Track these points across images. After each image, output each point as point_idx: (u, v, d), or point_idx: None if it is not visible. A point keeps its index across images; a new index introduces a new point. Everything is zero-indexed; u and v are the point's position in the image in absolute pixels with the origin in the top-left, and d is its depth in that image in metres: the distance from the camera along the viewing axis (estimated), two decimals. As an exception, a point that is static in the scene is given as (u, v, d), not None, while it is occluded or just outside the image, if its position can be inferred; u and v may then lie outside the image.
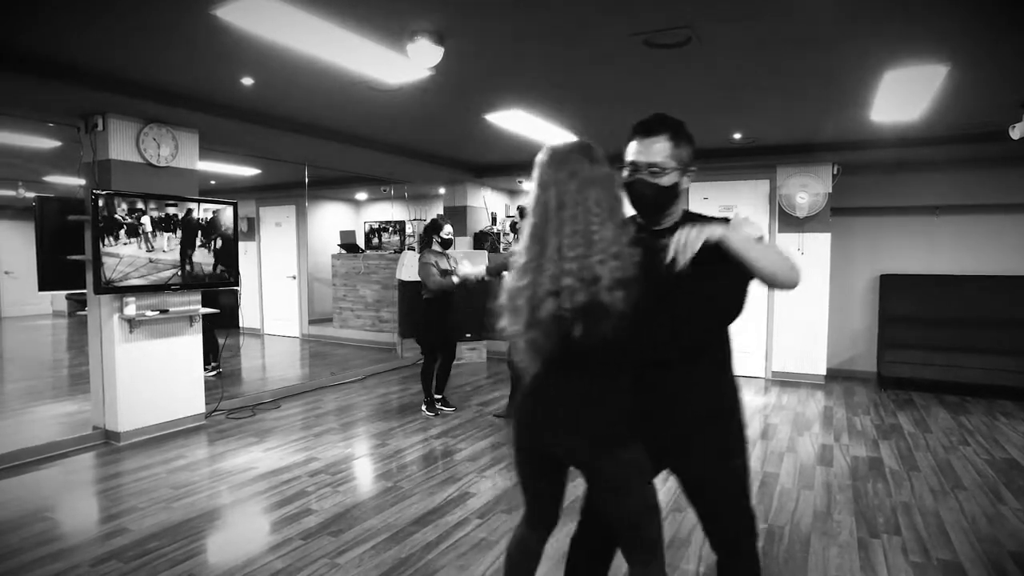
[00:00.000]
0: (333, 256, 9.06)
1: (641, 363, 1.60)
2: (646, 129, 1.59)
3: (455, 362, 5.45)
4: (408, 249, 8.09)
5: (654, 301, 1.49)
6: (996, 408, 5.31)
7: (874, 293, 6.49)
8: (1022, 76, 3.54)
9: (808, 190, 6.07)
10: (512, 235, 7.84)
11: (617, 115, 4.60)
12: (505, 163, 7.25)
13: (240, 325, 9.73)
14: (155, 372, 4.49)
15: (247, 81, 3.78)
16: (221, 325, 6.35)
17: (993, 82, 3.67)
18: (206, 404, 4.88)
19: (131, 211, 4.20)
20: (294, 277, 9.41)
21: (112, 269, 4.11)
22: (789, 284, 1.49)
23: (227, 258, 4.88)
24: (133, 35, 3.04)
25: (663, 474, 1.74)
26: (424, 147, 6.27)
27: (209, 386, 5.10)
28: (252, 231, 9.64)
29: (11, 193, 8.65)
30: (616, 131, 5.11)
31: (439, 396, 5.19)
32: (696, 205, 6.36)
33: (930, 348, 5.85)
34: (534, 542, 1.75)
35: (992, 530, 3.00)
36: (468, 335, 7.31)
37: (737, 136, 5.46)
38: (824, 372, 6.27)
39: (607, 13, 2.74)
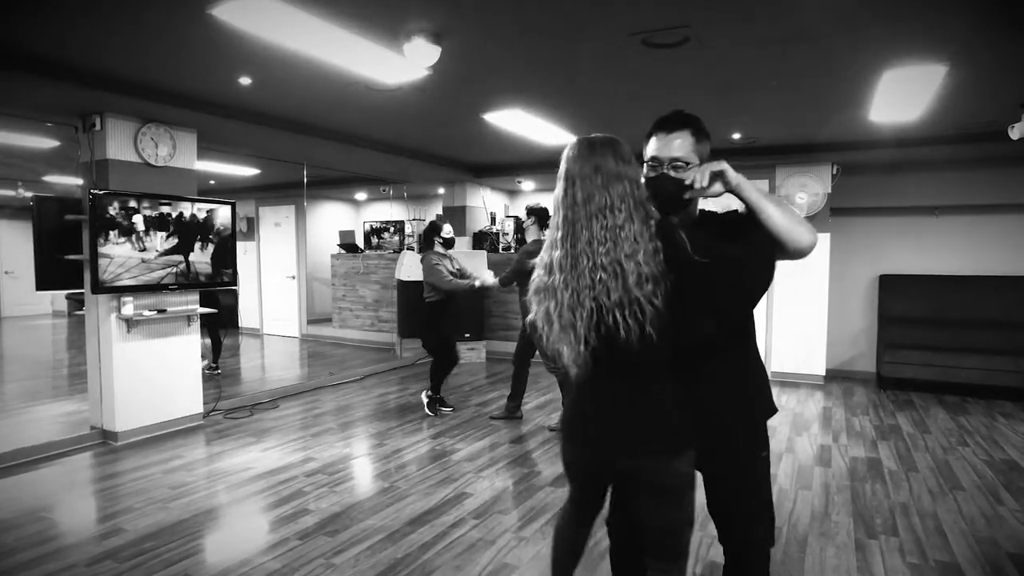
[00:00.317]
0: (332, 256, 9.06)
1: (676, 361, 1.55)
2: (667, 125, 1.59)
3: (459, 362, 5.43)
4: (407, 249, 8.09)
5: (681, 295, 1.45)
6: (995, 409, 5.30)
7: (873, 293, 6.48)
8: (1021, 76, 3.53)
9: (807, 190, 6.06)
10: (516, 235, 7.84)
11: (616, 114, 4.60)
12: (504, 163, 7.25)
13: (239, 325, 9.81)
14: (152, 372, 4.49)
15: (245, 81, 3.77)
16: (221, 325, 6.36)
17: (992, 82, 3.66)
18: (204, 404, 4.88)
19: (122, 209, 4.18)
20: (293, 277, 9.41)
21: (103, 270, 4.10)
22: (805, 243, 1.44)
23: (225, 258, 4.88)
24: (130, 34, 3.03)
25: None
26: (423, 147, 6.27)
27: (207, 385, 5.09)
28: (252, 231, 9.64)
29: (11, 193, 8.65)
30: (616, 130, 5.09)
31: (436, 396, 5.18)
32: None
33: (930, 348, 5.84)
34: (583, 535, 1.78)
35: (990, 531, 2.99)
36: (467, 335, 7.31)
37: (736, 136, 5.45)
38: (823, 372, 6.27)
39: (604, 12, 2.74)
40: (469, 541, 2.87)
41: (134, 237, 4.24)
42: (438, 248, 4.90)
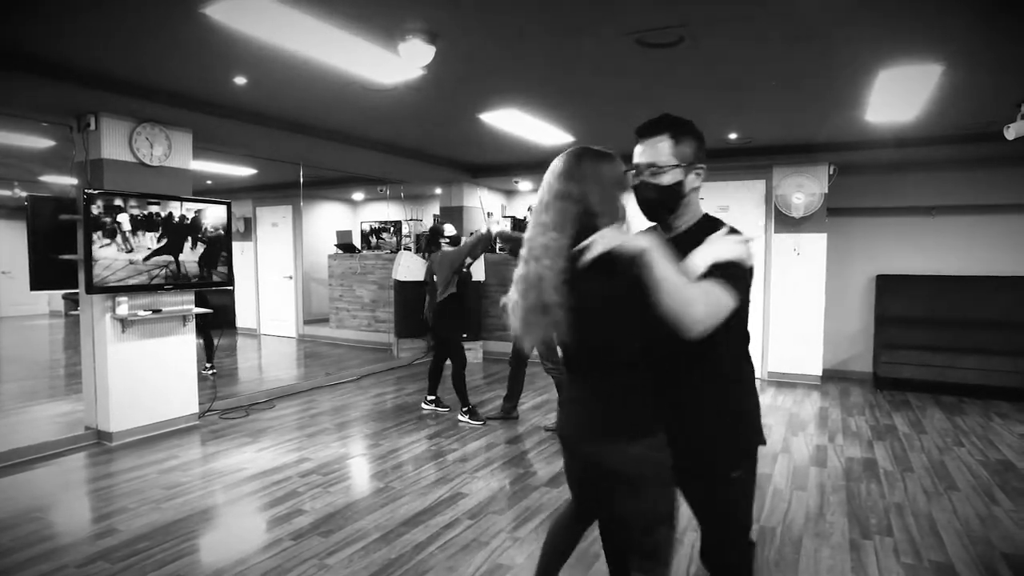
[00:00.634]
0: (329, 256, 9.05)
1: (654, 364, 1.53)
2: (643, 131, 1.59)
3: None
4: (404, 249, 8.08)
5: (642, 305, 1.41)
6: (992, 409, 5.30)
7: (870, 293, 6.48)
8: (1017, 76, 3.53)
9: (804, 190, 6.06)
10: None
11: (611, 114, 4.60)
12: (501, 163, 7.25)
13: (235, 325, 9.80)
14: (148, 372, 4.48)
15: (240, 80, 3.77)
16: (215, 325, 6.35)
17: (988, 82, 3.66)
18: (199, 404, 4.87)
19: (109, 208, 4.16)
20: (290, 277, 9.39)
21: (98, 274, 4.09)
22: (686, 328, 1.33)
23: (221, 258, 4.87)
24: (124, 34, 3.02)
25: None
26: (419, 147, 6.26)
27: (202, 385, 5.08)
28: (248, 231, 9.63)
29: (7, 192, 8.63)
30: (610, 130, 5.18)
31: (432, 397, 5.17)
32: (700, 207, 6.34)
33: (926, 349, 5.84)
34: (577, 531, 1.85)
35: (985, 531, 2.99)
36: (465, 335, 7.29)
37: (733, 136, 5.45)
38: (820, 373, 6.27)
39: (599, 12, 2.73)
40: (463, 541, 2.87)
41: (119, 239, 4.21)
42: (444, 248, 5.03)
